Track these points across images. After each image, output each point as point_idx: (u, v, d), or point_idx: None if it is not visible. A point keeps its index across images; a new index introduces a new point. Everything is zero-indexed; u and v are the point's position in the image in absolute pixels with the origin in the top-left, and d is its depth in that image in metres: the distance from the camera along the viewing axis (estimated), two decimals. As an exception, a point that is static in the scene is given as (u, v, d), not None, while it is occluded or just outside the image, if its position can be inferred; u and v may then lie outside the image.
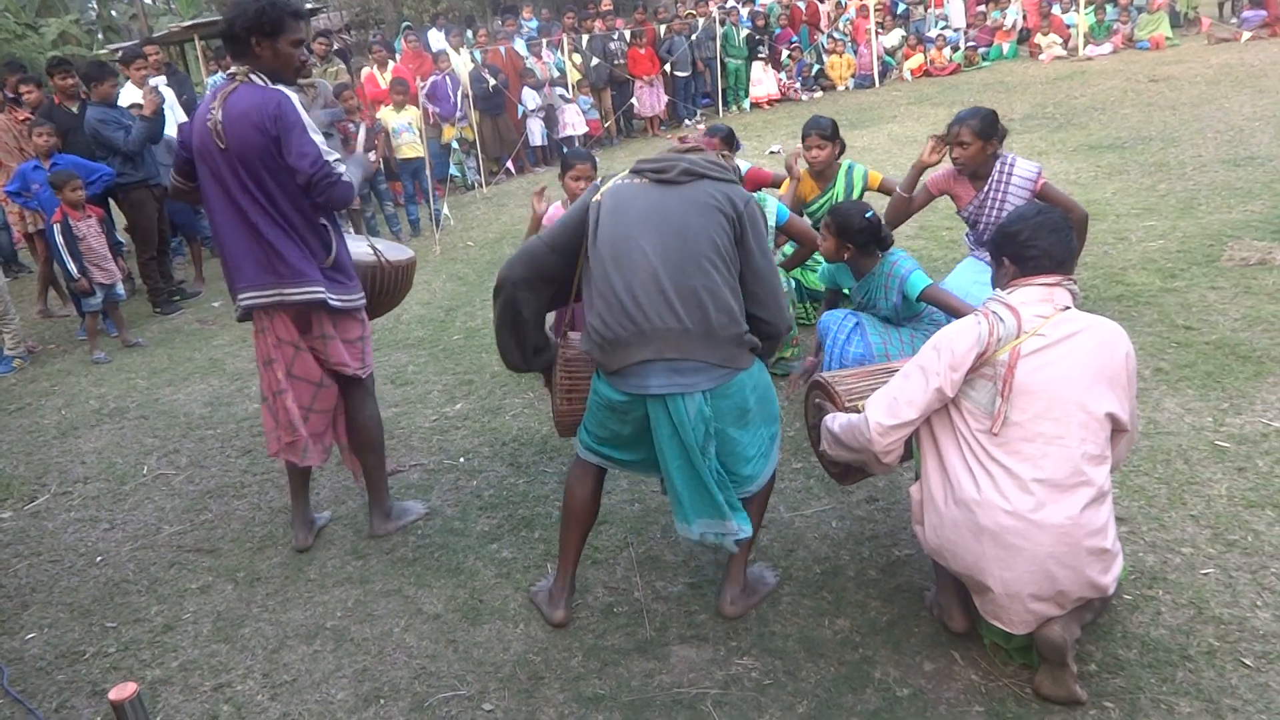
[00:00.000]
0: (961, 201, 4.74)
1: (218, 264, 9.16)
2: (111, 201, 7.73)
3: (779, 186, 5.63)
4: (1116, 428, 2.57)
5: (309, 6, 13.08)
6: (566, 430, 3.41)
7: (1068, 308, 2.62)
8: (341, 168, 3.30)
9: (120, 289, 7.07)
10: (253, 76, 3.30)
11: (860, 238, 4.04)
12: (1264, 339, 4.50)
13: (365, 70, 11.97)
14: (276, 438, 3.59)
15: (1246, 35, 14.32)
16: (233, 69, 3.36)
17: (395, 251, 4.02)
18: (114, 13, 32.58)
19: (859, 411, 2.80)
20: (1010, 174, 4.51)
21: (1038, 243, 2.65)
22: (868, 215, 4.06)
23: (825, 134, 5.35)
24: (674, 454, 2.82)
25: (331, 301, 3.45)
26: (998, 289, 2.77)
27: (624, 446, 3.02)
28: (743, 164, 5.85)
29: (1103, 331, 2.57)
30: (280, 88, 3.30)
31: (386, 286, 3.91)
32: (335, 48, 11.79)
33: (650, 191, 2.86)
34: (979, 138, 4.47)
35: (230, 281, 3.51)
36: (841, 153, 5.51)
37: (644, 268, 2.75)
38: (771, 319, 2.86)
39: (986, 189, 4.58)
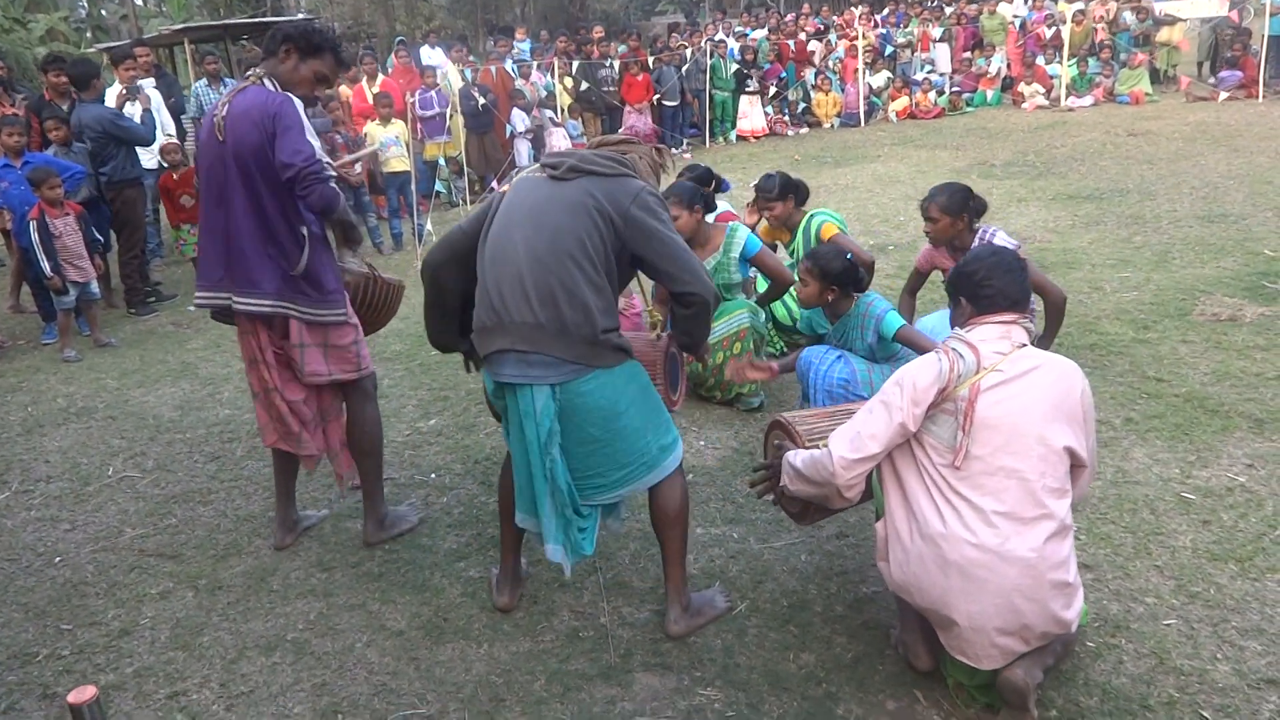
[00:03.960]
0: (946, 273, 4.80)
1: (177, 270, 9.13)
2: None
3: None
4: (1075, 462, 2.62)
5: (300, 16, 13.07)
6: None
7: (1024, 345, 2.68)
8: (332, 173, 3.34)
9: (95, 287, 7.01)
10: (265, 80, 3.36)
11: (842, 279, 4.08)
12: (1232, 394, 4.56)
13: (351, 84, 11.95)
14: (273, 429, 3.60)
15: (1223, 95, 14.60)
16: (249, 70, 3.44)
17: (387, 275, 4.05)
18: (104, 12, 32.45)
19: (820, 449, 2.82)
20: None
21: (992, 282, 2.73)
22: (847, 257, 4.11)
23: (771, 196, 5.39)
24: (518, 446, 2.95)
25: (290, 313, 3.45)
26: (956, 327, 2.82)
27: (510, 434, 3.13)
28: (723, 204, 5.87)
29: (1059, 368, 2.63)
30: (288, 94, 3.36)
31: (375, 301, 3.90)
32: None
33: (541, 186, 2.98)
34: (945, 214, 4.58)
35: (198, 277, 3.58)
36: (803, 201, 5.50)
37: (512, 262, 2.88)
38: (690, 289, 2.92)
39: None
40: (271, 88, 3.36)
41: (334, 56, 3.48)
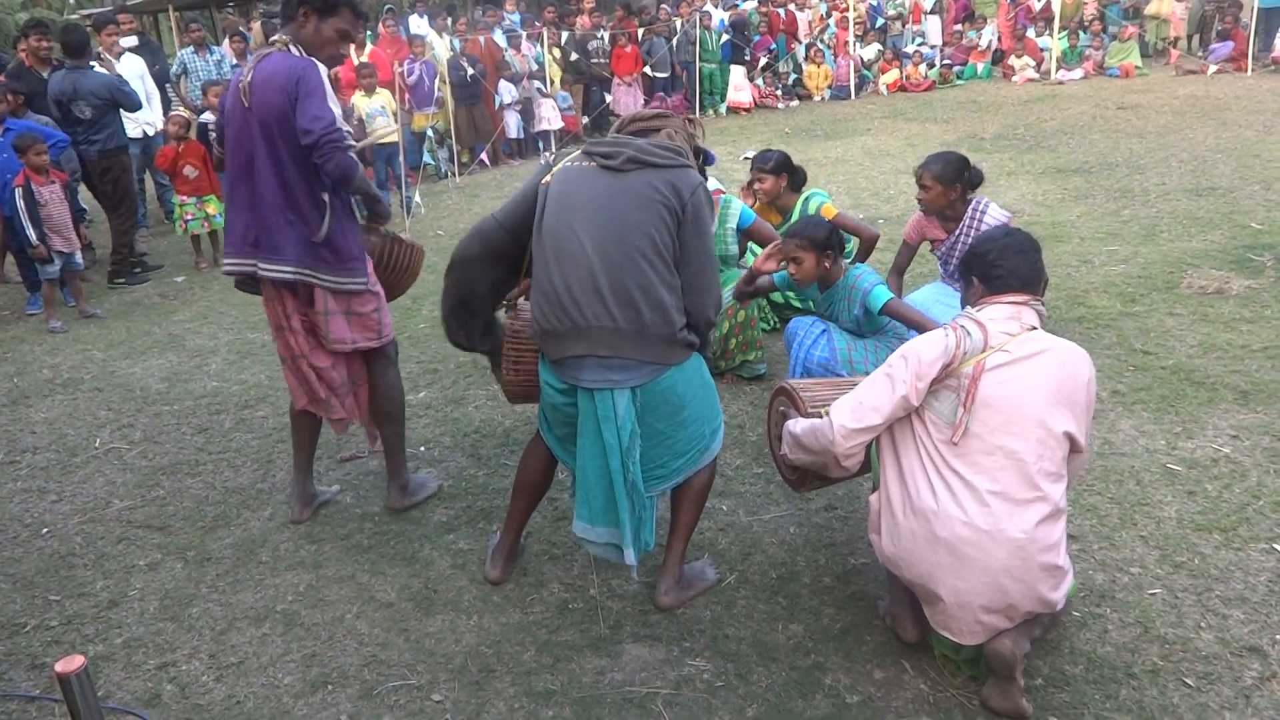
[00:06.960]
0: (937, 244, 4.87)
1: (163, 241, 9.06)
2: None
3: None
4: (1073, 448, 2.62)
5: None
6: (515, 398, 3.50)
7: (1034, 328, 2.67)
8: (352, 143, 3.32)
9: (79, 258, 6.96)
10: (290, 47, 3.33)
11: (831, 242, 4.04)
12: (1218, 366, 4.59)
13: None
14: (302, 393, 3.62)
15: (1213, 68, 14.58)
16: (274, 37, 3.41)
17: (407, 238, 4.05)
18: (86, -22, 31.96)
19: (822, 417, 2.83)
20: (980, 219, 4.58)
21: (1004, 263, 2.73)
22: (825, 221, 4.12)
23: (765, 168, 5.36)
24: (594, 451, 2.88)
25: (312, 280, 3.43)
26: (968, 307, 2.82)
27: (565, 438, 3.07)
28: (712, 182, 5.84)
29: (1067, 353, 2.62)
30: (312, 59, 3.33)
31: (397, 264, 3.87)
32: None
33: (596, 178, 2.86)
34: (938, 182, 4.58)
35: (225, 245, 3.60)
36: (799, 185, 5.48)
37: (582, 263, 2.79)
38: (699, 305, 2.88)
39: (958, 232, 4.65)
40: (296, 53, 3.33)
41: (351, 11, 3.42)
